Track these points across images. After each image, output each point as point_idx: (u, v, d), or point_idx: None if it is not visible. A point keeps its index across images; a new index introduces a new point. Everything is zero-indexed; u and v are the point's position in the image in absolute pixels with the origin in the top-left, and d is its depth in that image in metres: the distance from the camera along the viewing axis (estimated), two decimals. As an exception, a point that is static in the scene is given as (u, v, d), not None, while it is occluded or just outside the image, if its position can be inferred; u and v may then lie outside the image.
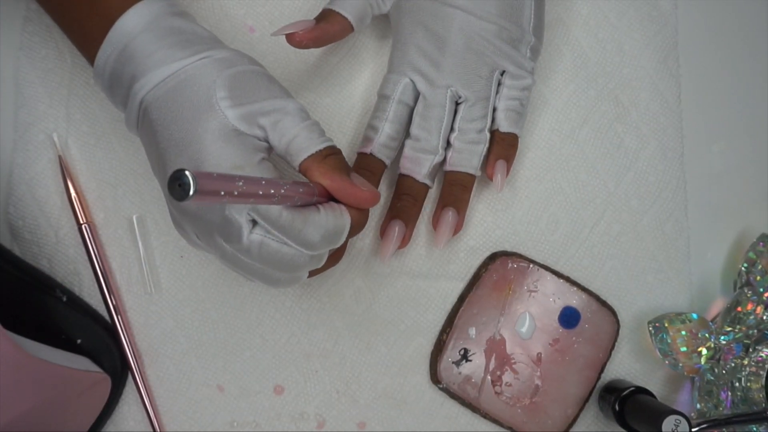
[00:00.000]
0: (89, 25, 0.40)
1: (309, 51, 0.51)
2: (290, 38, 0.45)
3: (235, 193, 0.30)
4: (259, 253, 0.37)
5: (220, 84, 0.39)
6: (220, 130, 0.38)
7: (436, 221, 0.49)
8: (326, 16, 0.46)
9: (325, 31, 0.46)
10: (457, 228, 0.49)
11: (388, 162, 0.48)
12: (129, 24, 0.39)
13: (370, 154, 0.48)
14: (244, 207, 0.36)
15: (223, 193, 0.29)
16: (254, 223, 0.37)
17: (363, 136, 0.49)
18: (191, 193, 0.27)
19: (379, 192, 0.41)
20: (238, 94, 0.39)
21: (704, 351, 0.50)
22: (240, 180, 0.30)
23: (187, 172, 0.27)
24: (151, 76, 0.39)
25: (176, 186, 0.27)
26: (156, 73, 0.39)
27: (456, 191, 0.49)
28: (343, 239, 0.39)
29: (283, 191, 0.34)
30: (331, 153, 0.40)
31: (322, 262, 0.40)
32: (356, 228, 0.40)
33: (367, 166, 0.48)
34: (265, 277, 0.39)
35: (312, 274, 0.42)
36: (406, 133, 0.49)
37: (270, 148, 0.40)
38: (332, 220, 0.38)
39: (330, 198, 0.39)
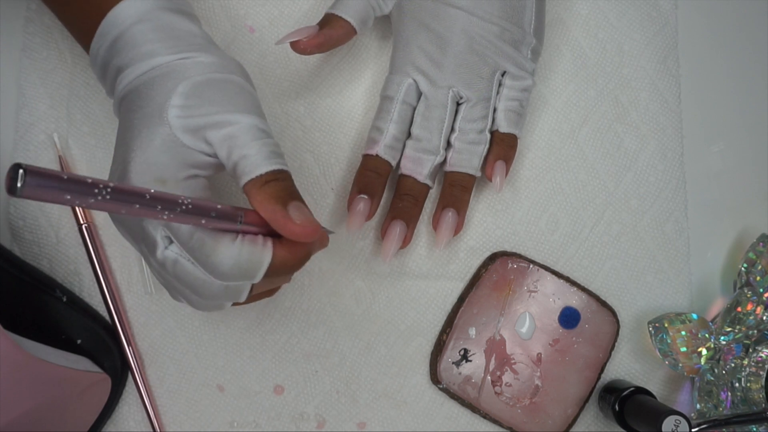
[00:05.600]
0: (86, 16, 0.40)
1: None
2: (295, 46, 0.44)
3: (91, 200, 0.27)
4: (174, 272, 0.35)
5: (179, 91, 0.36)
6: (162, 139, 0.36)
7: (436, 222, 0.49)
8: (329, 21, 0.46)
9: (329, 36, 0.46)
10: (458, 228, 0.49)
11: (393, 163, 0.48)
12: (122, 14, 0.38)
13: (376, 155, 0.47)
14: (159, 222, 0.34)
15: (69, 197, 0.26)
16: (171, 239, 0.35)
17: (368, 138, 0.49)
18: (20, 186, 0.25)
19: (319, 225, 0.36)
20: (192, 104, 0.36)
21: (704, 351, 0.50)
22: (106, 187, 0.27)
23: (21, 169, 0.25)
24: (133, 68, 0.38)
25: (9, 178, 0.25)
26: (137, 66, 0.38)
27: (456, 192, 0.49)
28: (260, 276, 0.35)
29: (182, 209, 0.31)
30: (272, 179, 0.36)
31: (242, 297, 0.37)
32: (282, 267, 0.36)
33: (373, 167, 0.48)
34: (186, 297, 0.37)
35: (237, 304, 0.39)
36: (408, 134, 0.49)
37: (220, 165, 0.37)
38: (246, 253, 0.34)
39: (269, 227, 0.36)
